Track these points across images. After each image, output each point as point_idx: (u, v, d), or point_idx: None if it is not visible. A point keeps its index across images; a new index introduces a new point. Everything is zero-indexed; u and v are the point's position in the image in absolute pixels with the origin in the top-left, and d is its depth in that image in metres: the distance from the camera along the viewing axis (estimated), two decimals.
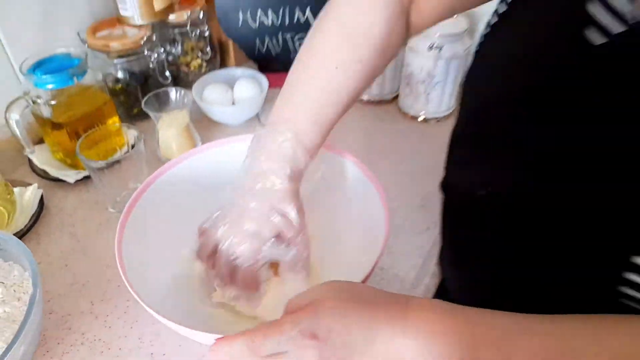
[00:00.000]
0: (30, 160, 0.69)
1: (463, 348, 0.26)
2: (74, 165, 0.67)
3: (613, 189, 0.26)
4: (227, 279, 0.42)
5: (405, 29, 0.43)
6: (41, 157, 0.69)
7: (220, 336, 0.30)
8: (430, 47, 0.70)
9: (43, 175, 0.67)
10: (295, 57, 0.44)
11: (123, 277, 0.40)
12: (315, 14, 0.84)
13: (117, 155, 0.61)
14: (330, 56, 0.42)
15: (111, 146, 0.64)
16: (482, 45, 0.37)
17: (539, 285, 0.32)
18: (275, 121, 0.43)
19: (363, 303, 0.28)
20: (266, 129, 0.43)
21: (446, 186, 0.44)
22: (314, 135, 0.42)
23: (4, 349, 0.39)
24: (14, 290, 0.44)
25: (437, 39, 0.69)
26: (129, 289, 0.39)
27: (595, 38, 0.26)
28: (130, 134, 0.63)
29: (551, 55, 0.29)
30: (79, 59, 0.64)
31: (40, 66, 0.63)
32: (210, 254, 0.44)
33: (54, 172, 0.67)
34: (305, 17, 0.85)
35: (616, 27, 0.25)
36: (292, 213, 0.41)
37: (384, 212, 0.45)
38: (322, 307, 0.28)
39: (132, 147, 0.63)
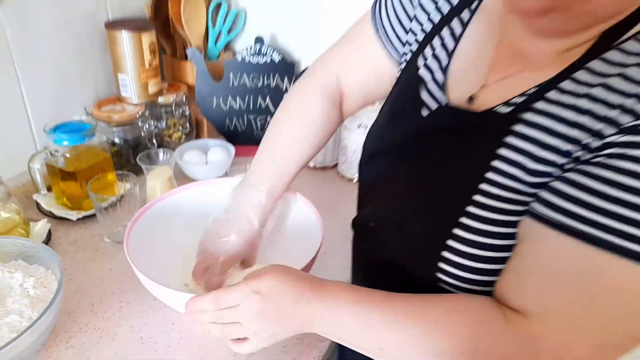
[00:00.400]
0: (38, 204, 0.84)
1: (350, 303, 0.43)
2: (75, 208, 0.83)
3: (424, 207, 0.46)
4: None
5: (339, 115, 0.65)
6: (46, 201, 0.84)
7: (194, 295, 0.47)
8: (359, 126, 0.94)
9: (49, 215, 0.82)
10: (265, 132, 0.64)
11: (127, 256, 0.57)
12: (273, 100, 1.08)
13: (116, 197, 0.78)
14: (289, 132, 0.62)
15: (107, 193, 0.81)
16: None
17: (396, 282, 0.50)
18: (251, 178, 0.62)
19: (296, 277, 0.46)
20: (245, 182, 0.62)
21: (354, 223, 0.63)
22: (280, 187, 0.61)
23: (35, 318, 0.53)
24: (41, 282, 0.59)
25: (364, 120, 0.93)
26: (131, 264, 0.55)
27: (424, 112, 0.48)
28: (121, 185, 0.81)
29: (402, 121, 0.52)
30: (90, 124, 0.83)
31: (59, 128, 0.81)
32: (199, 273, 0.60)
33: (58, 212, 0.82)
34: (266, 103, 1.09)
35: (434, 105, 0.47)
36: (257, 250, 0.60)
37: (319, 224, 0.64)
38: (266, 275, 0.45)
39: (123, 196, 0.80)
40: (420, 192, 0.47)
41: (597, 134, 0.34)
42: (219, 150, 0.98)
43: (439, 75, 0.48)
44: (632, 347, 0.35)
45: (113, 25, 0.91)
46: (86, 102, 0.96)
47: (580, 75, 0.37)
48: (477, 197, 0.40)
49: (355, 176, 0.98)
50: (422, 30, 0.52)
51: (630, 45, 0.35)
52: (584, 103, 0.35)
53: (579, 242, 0.34)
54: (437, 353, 0.39)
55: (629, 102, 0.33)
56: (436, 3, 0.50)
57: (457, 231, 0.41)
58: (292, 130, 0.62)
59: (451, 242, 0.41)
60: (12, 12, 0.79)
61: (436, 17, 0.50)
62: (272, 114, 1.09)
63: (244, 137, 1.10)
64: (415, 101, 0.49)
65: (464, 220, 0.40)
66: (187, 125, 1.06)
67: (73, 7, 0.89)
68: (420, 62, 0.50)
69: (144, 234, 0.64)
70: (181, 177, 0.96)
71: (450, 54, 0.48)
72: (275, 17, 1.10)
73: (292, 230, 0.69)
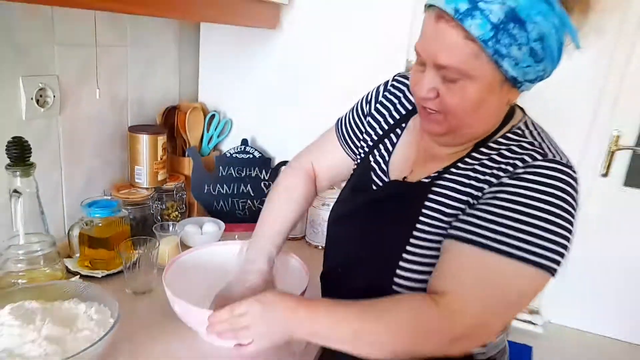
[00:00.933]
0: (66, 266, 1.04)
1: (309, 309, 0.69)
2: (99, 268, 1.04)
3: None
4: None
5: (315, 189, 0.95)
6: (72, 264, 1.05)
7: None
8: (323, 204, 1.23)
9: (76, 274, 1.02)
10: (265, 203, 0.93)
11: (165, 286, 0.80)
12: (252, 187, 1.37)
13: (137, 257, 1.00)
14: (284, 202, 0.91)
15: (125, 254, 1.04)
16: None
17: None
18: (259, 235, 0.89)
19: (288, 294, 0.71)
20: (256, 238, 0.89)
21: (323, 273, 0.90)
22: (280, 240, 0.89)
23: (103, 334, 0.74)
24: (99, 310, 0.80)
25: (326, 200, 1.23)
26: (166, 289, 0.78)
27: (374, 187, 0.79)
28: (137, 250, 1.03)
29: (360, 193, 0.82)
30: (117, 202, 1.07)
31: (92, 204, 1.05)
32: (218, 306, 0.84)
33: (85, 272, 1.02)
34: (247, 189, 1.37)
35: (381, 183, 0.79)
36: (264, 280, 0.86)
37: (305, 275, 0.90)
38: (267, 291, 0.71)
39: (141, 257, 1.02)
40: (375, 237, 0.76)
41: (480, 189, 0.65)
42: (212, 225, 1.23)
43: (384, 166, 0.80)
44: (515, 314, 0.64)
45: (135, 129, 1.19)
46: (105, 185, 1.20)
47: (466, 160, 0.69)
48: (414, 235, 0.69)
49: (320, 244, 1.26)
50: (371, 139, 0.85)
51: (492, 144, 0.69)
52: (470, 173, 0.68)
53: (474, 247, 0.62)
54: (394, 328, 0.65)
55: (495, 170, 0.65)
56: (383, 118, 0.84)
57: (403, 259, 0.70)
58: (286, 200, 0.92)
59: (400, 265, 0.70)
60: (66, 120, 1.06)
61: (381, 132, 0.83)
62: (251, 198, 1.38)
63: (228, 216, 1.36)
64: (369, 180, 0.80)
65: (407, 250, 0.69)
66: (183, 206, 1.31)
67: (104, 116, 1.17)
68: (371, 158, 0.83)
69: (173, 280, 0.87)
70: (182, 245, 1.19)
71: (390, 154, 0.81)
72: (254, 126, 1.43)
73: (286, 274, 0.95)
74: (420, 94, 0.68)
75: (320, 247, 1.25)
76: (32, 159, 0.85)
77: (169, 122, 1.33)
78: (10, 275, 0.86)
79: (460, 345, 0.64)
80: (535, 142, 0.67)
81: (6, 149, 0.83)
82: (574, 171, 0.65)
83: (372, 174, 0.81)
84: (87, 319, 0.77)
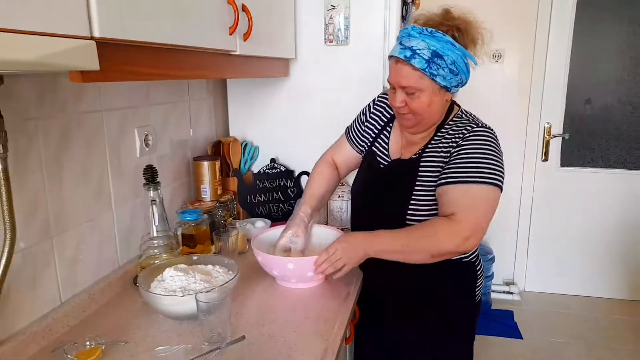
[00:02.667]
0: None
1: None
2: (197, 251, 1.46)
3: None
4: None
5: (337, 174, 1.44)
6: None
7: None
8: (338, 197, 1.70)
9: None
10: (307, 182, 1.41)
11: (255, 249, 1.25)
12: (282, 193, 1.83)
13: (221, 243, 1.43)
14: (316, 179, 1.40)
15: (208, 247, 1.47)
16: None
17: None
18: (302, 200, 1.36)
19: (353, 233, 1.20)
20: (301, 202, 1.36)
21: (352, 227, 1.38)
22: (316, 203, 1.36)
23: (233, 275, 1.17)
24: (222, 269, 1.23)
25: (340, 193, 1.70)
26: (256, 253, 1.23)
27: (381, 165, 1.28)
28: (220, 240, 1.47)
29: (371, 172, 1.31)
30: (199, 209, 1.51)
31: (184, 212, 1.48)
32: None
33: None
34: (278, 196, 1.83)
35: (386, 161, 1.28)
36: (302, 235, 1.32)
37: (339, 233, 1.37)
38: (340, 240, 1.18)
39: (222, 244, 1.46)
40: (391, 195, 1.24)
41: (447, 152, 1.15)
42: (261, 222, 1.68)
43: (385, 151, 1.29)
44: (490, 218, 1.11)
45: (199, 158, 1.65)
46: (180, 201, 1.64)
47: (434, 139, 1.19)
48: (415, 189, 1.18)
49: (337, 225, 1.72)
50: (371, 136, 1.34)
51: (446, 126, 1.20)
52: (439, 145, 1.18)
53: (458, 184, 1.10)
54: (429, 236, 1.11)
55: (453, 139, 1.15)
56: (377, 122, 1.33)
57: (411, 206, 1.18)
58: (317, 180, 1.40)
59: (409, 211, 1.18)
60: (158, 156, 1.51)
61: (377, 131, 1.33)
62: (282, 202, 1.84)
63: (267, 217, 1.81)
64: (377, 162, 1.29)
65: (412, 199, 1.18)
66: (235, 213, 1.76)
67: (175, 151, 1.62)
68: (374, 148, 1.32)
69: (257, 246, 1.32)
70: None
71: (387, 144, 1.30)
72: (276, 148, 1.90)
73: (328, 236, 1.41)
74: (395, 105, 1.18)
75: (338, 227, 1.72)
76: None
77: (216, 153, 1.79)
78: (150, 257, 1.29)
79: (471, 241, 1.09)
80: (470, 120, 1.19)
81: (144, 173, 1.27)
82: (493, 131, 1.16)
83: (378, 157, 1.30)
84: (216, 273, 1.21)
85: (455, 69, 1.11)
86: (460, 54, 1.11)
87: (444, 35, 1.09)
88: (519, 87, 2.91)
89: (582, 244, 3.07)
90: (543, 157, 2.99)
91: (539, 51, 2.86)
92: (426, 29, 1.10)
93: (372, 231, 1.17)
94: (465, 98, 1.33)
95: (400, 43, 1.13)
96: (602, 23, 2.80)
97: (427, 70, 1.10)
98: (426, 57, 1.09)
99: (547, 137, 2.94)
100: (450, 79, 1.12)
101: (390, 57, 1.17)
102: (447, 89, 1.15)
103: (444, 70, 1.10)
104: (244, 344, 1.01)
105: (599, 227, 3.02)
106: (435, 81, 1.11)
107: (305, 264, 1.22)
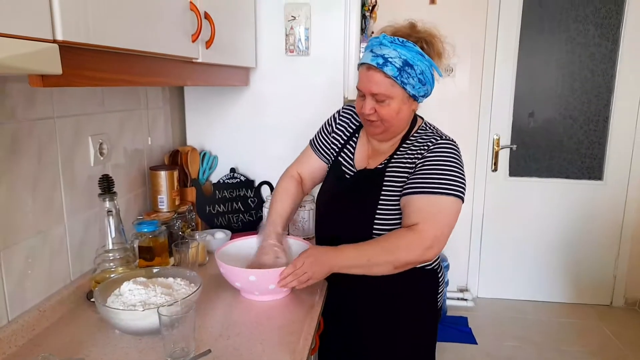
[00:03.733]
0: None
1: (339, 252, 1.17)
2: (153, 264, 1.41)
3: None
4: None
5: (302, 189, 1.43)
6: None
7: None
8: (303, 208, 1.70)
9: None
10: (270, 200, 1.40)
11: (216, 257, 1.22)
12: (242, 204, 1.80)
13: (179, 256, 1.39)
14: (282, 196, 1.38)
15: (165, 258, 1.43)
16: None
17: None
18: (269, 221, 1.34)
19: (322, 247, 1.19)
20: (267, 224, 1.33)
21: (317, 242, 1.37)
22: (284, 223, 1.34)
23: (196, 288, 1.13)
24: (186, 283, 1.19)
25: (306, 204, 1.70)
26: (217, 260, 1.21)
27: (347, 176, 1.29)
28: (178, 252, 1.43)
29: (337, 182, 1.31)
30: (157, 221, 1.46)
31: (141, 224, 1.42)
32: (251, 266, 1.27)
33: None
34: (238, 206, 1.80)
35: (351, 172, 1.29)
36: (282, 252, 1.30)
37: (307, 244, 1.36)
38: (306, 255, 1.17)
39: (181, 257, 1.41)
40: (357, 205, 1.25)
41: (412, 164, 1.17)
42: (221, 233, 1.65)
43: (351, 162, 1.30)
44: (452, 227, 1.14)
45: (155, 168, 1.60)
46: (136, 212, 1.58)
47: (399, 150, 1.22)
48: (381, 199, 1.19)
49: (301, 235, 1.71)
50: (337, 147, 1.35)
51: (411, 138, 1.22)
52: (404, 156, 1.20)
53: (422, 195, 1.13)
54: (390, 248, 1.12)
55: (418, 151, 1.18)
56: (343, 132, 1.35)
57: (377, 217, 1.19)
58: (283, 197, 1.38)
59: (375, 222, 1.19)
60: (112, 165, 1.45)
61: (342, 141, 1.34)
62: (242, 212, 1.81)
63: (227, 228, 1.77)
64: (342, 172, 1.30)
65: (379, 210, 1.19)
66: (193, 224, 1.71)
67: (131, 161, 1.56)
68: (340, 158, 1.33)
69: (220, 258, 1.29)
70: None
71: (353, 154, 1.31)
72: (235, 157, 1.88)
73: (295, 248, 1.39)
74: (364, 112, 1.19)
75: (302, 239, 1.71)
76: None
77: (173, 163, 1.74)
78: (105, 271, 1.23)
79: (432, 251, 1.12)
80: (434, 132, 1.23)
81: (99, 182, 1.21)
82: (457, 144, 1.20)
83: (343, 167, 1.31)
84: (178, 286, 1.17)
85: (423, 79, 1.15)
86: (428, 64, 1.15)
87: (414, 46, 1.13)
88: (469, 101, 3.03)
89: (531, 250, 3.22)
90: (493, 168, 3.11)
91: (487, 66, 2.99)
92: (397, 39, 1.13)
93: (337, 246, 1.17)
94: (420, 110, 1.37)
95: (372, 51, 1.15)
96: (544, 42, 2.97)
97: (398, 78, 1.13)
98: (398, 66, 1.12)
99: (497, 148, 3.07)
100: (419, 88, 1.16)
101: (361, 64, 1.19)
102: (415, 98, 1.18)
103: (413, 79, 1.14)
104: (209, 357, 0.98)
105: (546, 233, 3.17)
106: (406, 89, 1.15)
107: (268, 276, 1.19)
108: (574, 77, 2.99)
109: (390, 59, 1.12)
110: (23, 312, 1.07)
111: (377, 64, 1.13)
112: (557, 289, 3.24)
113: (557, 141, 3.08)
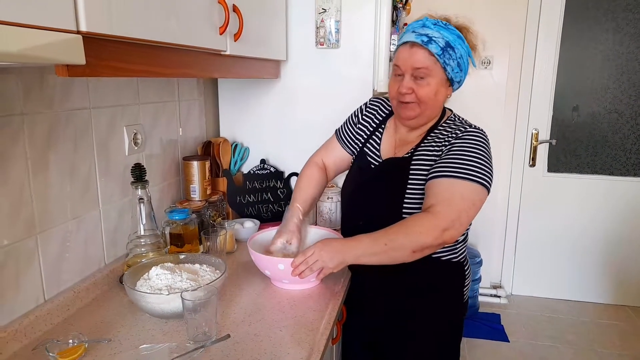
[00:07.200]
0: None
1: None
2: (183, 250, 1.46)
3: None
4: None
5: (326, 176, 1.44)
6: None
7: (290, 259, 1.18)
8: (327, 198, 1.71)
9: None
10: (295, 184, 1.41)
11: (248, 246, 1.25)
12: (271, 194, 1.83)
13: (209, 243, 1.43)
14: (307, 182, 1.40)
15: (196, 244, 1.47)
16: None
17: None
18: (292, 203, 1.36)
19: (332, 239, 1.20)
20: (290, 206, 1.35)
21: (342, 232, 1.38)
22: (306, 206, 1.36)
23: (221, 274, 1.17)
24: (212, 269, 1.23)
25: (329, 195, 1.71)
26: (251, 253, 1.23)
27: (372, 165, 1.29)
28: (208, 240, 1.47)
29: (363, 172, 1.31)
30: (188, 209, 1.50)
31: (172, 212, 1.47)
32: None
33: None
34: (267, 196, 1.83)
35: (377, 162, 1.29)
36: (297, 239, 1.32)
37: (334, 234, 1.37)
38: (319, 243, 1.18)
39: (210, 244, 1.45)
40: (385, 194, 1.24)
41: (439, 151, 1.16)
42: (250, 222, 1.68)
43: (377, 152, 1.30)
44: (473, 215, 1.12)
45: (188, 158, 1.64)
46: (169, 200, 1.63)
47: (426, 139, 1.21)
48: (408, 187, 1.18)
49: (326, 226, 1.72)
50: (363, 137, 1.35)
51: (439, 127, 1.21)
52: (431, 145, 1.19)
53: (444, 178, 1.11)
54: (408, 232, 1.10)
55: (446, 139, 1.17)
56: (369, 124, 1.34)
57: (405, 204, 1.18)
58: (307, 183, 1.40)
59: (404, 209, 1.18)
60: (147, 155, 1.50)
61: (369, 132, 1.34)
62: (272, 203, 1.84)
63: (256, 218, 1.81)
64: (368, 162, 1.30)
65: (405, 201, 1.18)
66: (224, 213, 1.75)
67: (165, 151, 1.61)
68: (366, 149, 1.32)
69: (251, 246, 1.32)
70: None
71: (379, 144, 1.31)
72: (266, 149, 1.91)
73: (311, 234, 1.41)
74: (402, 90, 1.18)
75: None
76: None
77: (206, 153, 1.78)
78: (137, 256, 1.28)
79: (449, 233, 1.09)
80: (463, 122, 1.22)
81: (131, 171, 1.26)
82: (485, 134, 1.18)
83: (369, 157, 1.31)
84: (204, 272, 1.20)
85: (461, 64, 1.18)
86: (466, 51, 1.17)
87: (456, 30, 1.15)
88: (507, 94, 2.94)
89: (568, 248, 3.11)
90: (530, 163, 3.02)
91: (527, 58, 2.89)
92: (440, 21, 1.16)
93: (351, 237, 1.16)
94: (454, 103, 1.34)
95: (414, 31, 1.17)
96: (588, 32, 2.84)
97: (441, 57, 1.14)
98: (441, 45, 1.14)
99: (535, 143, 2.97)
100: (457, 72, 1.18)
101: (403, 43, 1.19)
102: (451, 82, 1.20)
103: (453, 62, 1.16)
104: (228, 342, 1.01)
105: (585, 232, 3.05)
106: (446, 70, 1.16)
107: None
108: (621, 70, 2.85)
109: (434, 38, 1.14)
110: (59, 292, 1.13)
111: (422, 41, 1.14)
112: (596, 289, 3.12)
113: (600, 136, 2.95)
